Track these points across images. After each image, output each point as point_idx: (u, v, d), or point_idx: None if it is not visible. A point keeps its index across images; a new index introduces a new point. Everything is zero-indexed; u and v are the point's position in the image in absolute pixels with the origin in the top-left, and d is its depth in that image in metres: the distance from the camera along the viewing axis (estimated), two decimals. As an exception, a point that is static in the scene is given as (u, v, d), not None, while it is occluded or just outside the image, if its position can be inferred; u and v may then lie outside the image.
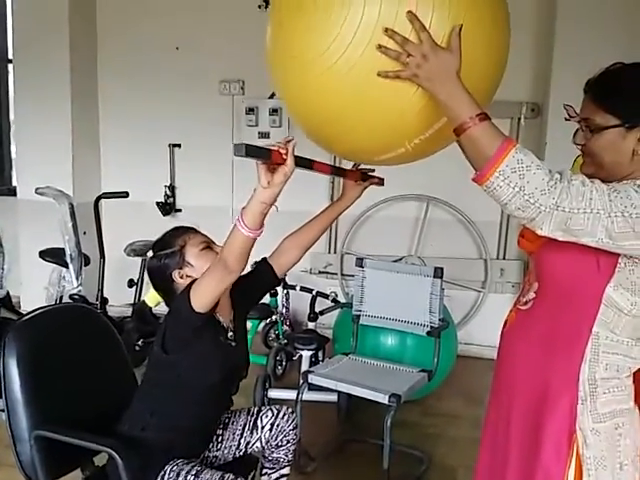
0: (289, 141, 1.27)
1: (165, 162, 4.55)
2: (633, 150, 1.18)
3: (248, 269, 1.69)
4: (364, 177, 1.66)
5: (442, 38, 1.13)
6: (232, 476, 1.55)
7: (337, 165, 1.62)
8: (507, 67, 1.34)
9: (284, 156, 1.25)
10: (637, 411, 1.27)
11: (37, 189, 3.34)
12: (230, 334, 1.68)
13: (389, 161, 1.35)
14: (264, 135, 4.26)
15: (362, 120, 1.22)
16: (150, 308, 1.71)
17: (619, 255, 1.15)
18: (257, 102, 4.22)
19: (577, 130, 1.26)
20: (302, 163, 1.32)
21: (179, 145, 4.53)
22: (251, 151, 1.17)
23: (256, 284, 1.78)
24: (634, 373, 1.26)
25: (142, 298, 1.71)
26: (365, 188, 1.70)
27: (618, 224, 1.09)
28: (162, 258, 1.63)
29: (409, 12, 1.11)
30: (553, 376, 1.26)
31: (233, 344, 1.68)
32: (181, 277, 1.62)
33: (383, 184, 1.72)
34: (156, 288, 1.68)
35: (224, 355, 1.64)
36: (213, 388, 1.63)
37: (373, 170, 1.67)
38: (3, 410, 1.61)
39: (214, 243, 1.68)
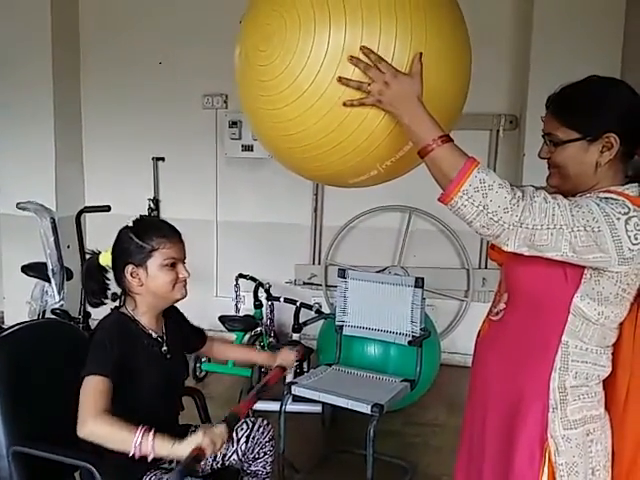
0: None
1: (149, 175, 4.54)
2: (596, 162, 1.22)
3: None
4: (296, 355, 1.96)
5: (405, 65, 1.18)
6: None
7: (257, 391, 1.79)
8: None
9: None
10: (607, 417, 1.30)
11: (18, 204, 3.33)
12: (164, 348, 1.72)
13: (362, 183, 1.39)
14: (248, 148, 4.28)
15: (333, 146, 1.25)
16: (101, 266, 1.71)
17: (585, 266, 1.19)
18: (240, 115, 4.22)
19: (542, 144, 1.30)
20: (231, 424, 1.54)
21: (163, 158, 4.54)
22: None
23: (192, 337, 1.92)
24: (603, 380, 1.29)
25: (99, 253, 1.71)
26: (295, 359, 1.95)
27: (581, 238, 1.12)
28: (132, 242, 1.63)
29: (363, 47, 1.15)
30: (524, 385, 1.29)
31: (168, 356, 1.72)
32: (131, 275, 1.63)
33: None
34: (112, 254, 1.69)
35: (157, 366, 1.67)
36: (149, 401, 1.64)
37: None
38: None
39: (183, 262, 1.69)
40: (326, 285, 4.32)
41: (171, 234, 1.68)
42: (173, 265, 1.65)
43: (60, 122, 4.40)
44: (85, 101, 4.62)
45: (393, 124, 1.22)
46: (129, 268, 1.63)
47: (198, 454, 1.37)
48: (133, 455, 1.42)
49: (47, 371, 1.74)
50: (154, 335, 1.70)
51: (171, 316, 1.81)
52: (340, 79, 1.17)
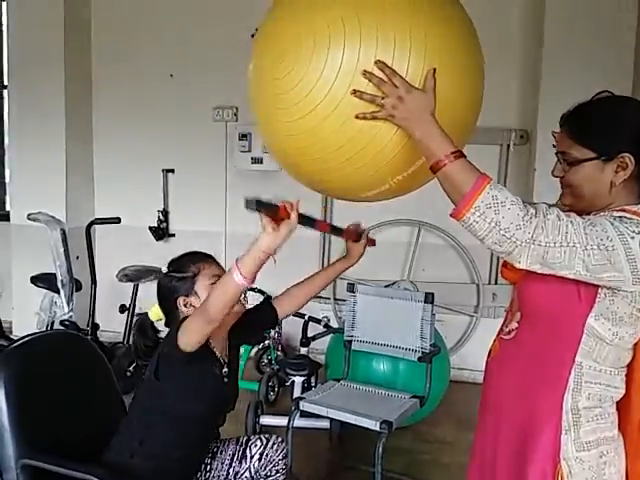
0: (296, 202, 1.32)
1: (158, 187, 4.57)
2: (611, 182, 1.21)
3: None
4: (358, 237, 1.73)
5: (419, 81, 1.18)
6: None
7: (335, 225, 1.70)
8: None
9: (290, 212, 1.30)
10: (621, 439, 1.27)
11: (29, 215, 3.35)
12: (225, 370, 1.69)
13: (373, 197, 1.39)
14: (257, 160, 4.30)
15: (345, 159, 1.25)
16: (152, 322, 1.71)
17: (599, 285, 1.17)
18: (250, 128, 4.25)
19: (556, 163, 1.29)
20: (305, 221, 1.39)
21: (172, 170, 4.56)
22: (261, 205, 1.24)
23: (258, 321, 1.83)
24: (617, 401, 1.27)
25: (147, 311, 1.72)
26: (366, 246, 1.75)
27: (595, 257, 1.11)
28: (173, 279, 1.65)
29: (378, 61, 1.16)
30: (537, 406, 1.26)
31: (226, 380, 1.69)
32: (185, 305, 1.64)
33: (375, 244, 1.79)
34: (160, 305, 1.70)
35: (214, 388, 1.64)
36: (200, 419, 1.63)
37: (367, 231, 1.76)
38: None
39: None
40: (335, 299, 4.30)
41: (205, 257, 1.70)
42: None
43: (71, 134, 4.45)
44: (96, 113, 4.67)
45: (405, 139, 1.21)
46: (180, 301, 1.64)
47: (274, 207, 1.27)
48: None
49: (58, 383, 1.74)
50: (218, 355, 1.68)
51: (251, 318, 1.77)
52: (354, 92, 1.17)
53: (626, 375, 1.26)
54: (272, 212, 1.28)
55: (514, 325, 1.33)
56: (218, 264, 1.71)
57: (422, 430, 3.23)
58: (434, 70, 1.18)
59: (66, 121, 4.39)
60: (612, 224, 1.13)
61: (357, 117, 1.19)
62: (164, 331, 1.70)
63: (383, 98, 1.17)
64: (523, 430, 1.28)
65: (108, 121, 4.62)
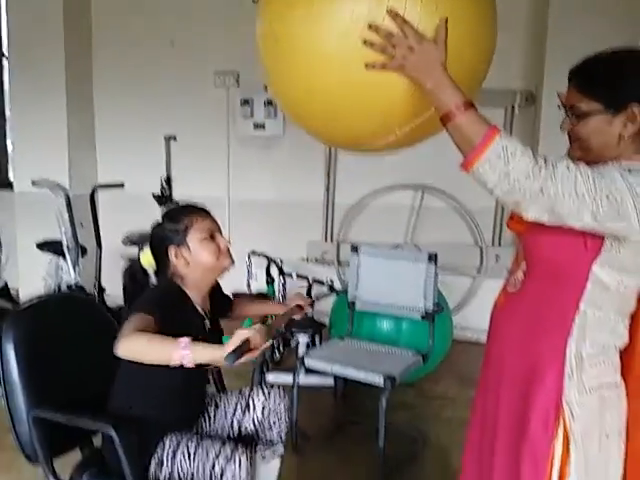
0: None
1: (161, 154, 4.56)
2: (619, 134, 1.21)
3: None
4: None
5: (429, 32, 1.17)
6: (232, 445, 1.58)
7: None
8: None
9: (258, 347, 1.38)
10: (623, 385, 1.30)
11: (34, 181, 3.36)
12: (206, 321, 1.73)
13: (380, 149, 1.38)
14: (259, 126, 4.28)
15: (352, 109, 1.25)
16: (142, 267, 1.74)
17: (605, 235, 1.18)
18: (252, 94, 4.23)
19: (564, 118, 1.28)
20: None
21: (175, 137, 4.55)
22: (237, 351, 1.35)
23: (220, 302, 1.89)
24: (622, 349, 1.29)
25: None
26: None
27: (603, 207, 1.11)
28: (166, 229, 1.68)
29: (390, 10, 1.15)
30: (540, 353, 1.29)
31: (209, 330, 1.73)
32: (176, 256, 1.66)
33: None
34: (152, 252, 1.72)
35: (198, 336, 1.68)
36: (190, 369, 1.65)
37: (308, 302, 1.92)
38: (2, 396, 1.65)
39: (220, 232, 1.73)
40: (338, 262, 4.33)
41: (198, 210, 1.73)
42: (212, 237, 1.69)
43: (72, 101, 4.42)
44: (97, 80, 4.63)
45: (414, 89, 1.20)
46: (172, 250, 1.66)
47: (245, 344, 1.35)
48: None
49: (66, 343, 1.76)
50: (199, 310, 1.72)
51: (216, 298, 1.83)
52: (365, 41, 1.16)
53: (630, 324, 1.28)
54: (245, 348, 1.36)
55: (520, 276, 1.35)
56: (213, 219, 1.73)
57: (425, 387, 3.30)
58: (446, 20, 1.16)
59: (66, 89, 4.37)
60: (621, 175, 1.13)
61: (367, 67, 1.18)
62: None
63: (394, 48, 1.16)
64: (526, 377, 1.30)
65: (109, 88, 4.59)
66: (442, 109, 1.17)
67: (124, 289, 1.76)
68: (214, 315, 1.80)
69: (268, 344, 1.42)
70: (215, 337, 1.77)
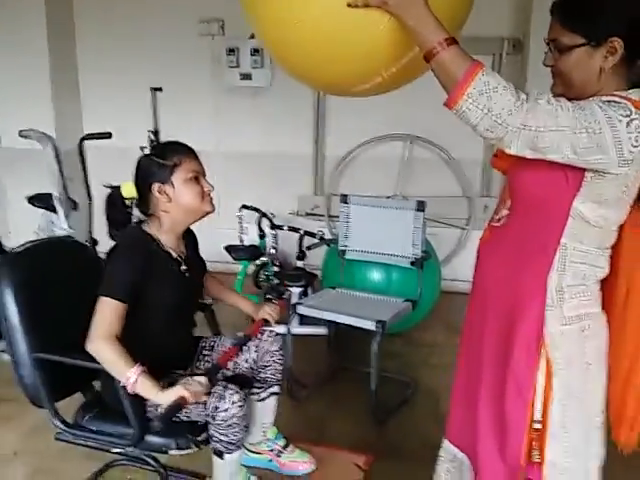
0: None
1: (147, 106, 4.49)
2: (600, 68, 1.23)
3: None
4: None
5: None
6: (224, 384, 1.64)
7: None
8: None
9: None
10: (604, 316, 1.35)
11: (21, 131, 3.32)
12: (183, 267, 1.76)
13: (367, 92, 1.38)
14: (246, 76, 4.22)
15: (337, 51, 1.25)
16: (122, 197, 1.76)
17: (586, 169, 1.21)
18: (238, 42, 4.15)
19: (547, 52, 1.30)
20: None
21: (160, 89, 4.47)
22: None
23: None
24: (602, 281, 1.34)
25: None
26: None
27: (583, 140, 1.14)
28: (153, 164, 1.68)
29: None
30: (523, 286, 1.33)
31: (187, 275, 1.77)
32: (159, 192, 1.68)
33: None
34: (136, 184, 1.73)
35: (176, 282, 1.73)
36: (173, 307, 1.71)
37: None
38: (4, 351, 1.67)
39: (204, 175, 1.74)
40: (329, 215, 4.36)
41: (188, 151, 1.74)
42: (197, 179, 1.71)
43: (54, 54, 4.32)
44: (79, 32, 4.52)
45: (398, 28, 1.20)
46: (155, 186, 1.67)
47: (179, 403, 1.50)
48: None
49: (60, 284, 1.78)
50: (174, 255, 1.74)
51: (190, 239, 1.86)
52: None
53: (610, 256, 1.33)
54: (180, 407, 1.53)
55: (504, 212, 1.39)
56: (200, 162, 1.75)
57: (414, 336, 3.39)
58: None
59: (48, 41, 4.26)
60: (601, 108, 1.15)
61: (349, 5, 1.18)
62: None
63: None
64: (509, 309, 1.35)
65: (92, 40, 4.48)
66: (425, 46, 1.17)
67: (106, 215, 1.79)
68: (191, 259, 1.81)
69: (205, 398, 1.57)
70: (194, 281, 1.81)
